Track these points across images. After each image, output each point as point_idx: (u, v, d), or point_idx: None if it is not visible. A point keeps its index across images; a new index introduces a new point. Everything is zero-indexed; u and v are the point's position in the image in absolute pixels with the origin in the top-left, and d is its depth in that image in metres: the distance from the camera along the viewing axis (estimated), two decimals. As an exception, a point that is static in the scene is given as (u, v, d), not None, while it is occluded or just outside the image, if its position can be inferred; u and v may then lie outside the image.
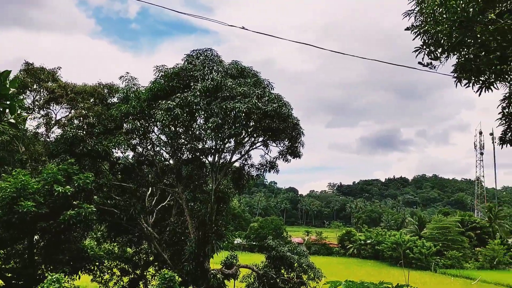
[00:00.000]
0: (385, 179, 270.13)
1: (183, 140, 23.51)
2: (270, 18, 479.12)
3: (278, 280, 30.16)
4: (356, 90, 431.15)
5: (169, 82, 23.63)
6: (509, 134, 11.53)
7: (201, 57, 24.80)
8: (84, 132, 23.34)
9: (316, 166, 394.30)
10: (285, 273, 30.45)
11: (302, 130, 24.33)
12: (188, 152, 23.89)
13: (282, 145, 25.38)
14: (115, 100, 25.80)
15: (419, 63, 8.10)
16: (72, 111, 25.86)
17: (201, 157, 24.25)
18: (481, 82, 10.17)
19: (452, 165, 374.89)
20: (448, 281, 65.74)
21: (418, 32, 9.36)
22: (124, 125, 23.90)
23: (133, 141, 24.66)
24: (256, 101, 21.71)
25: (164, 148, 25.79)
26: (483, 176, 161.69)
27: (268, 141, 24.64)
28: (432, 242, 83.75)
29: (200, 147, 23.34)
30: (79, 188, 19.42)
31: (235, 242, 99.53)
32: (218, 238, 24.77)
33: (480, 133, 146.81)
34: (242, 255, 77.93)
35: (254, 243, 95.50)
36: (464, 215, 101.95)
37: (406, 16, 9.82)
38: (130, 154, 26.97)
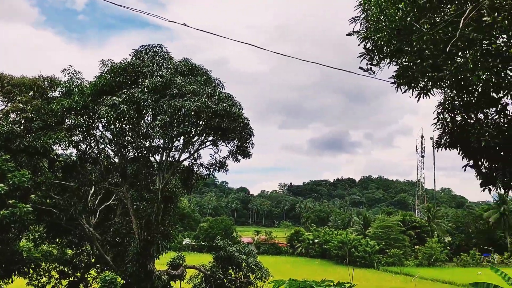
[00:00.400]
0: (334, 179, 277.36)
1: (129, 138, 22.82)
2: (224, 16, 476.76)
3: (225, 280, 30.14)
4: (308, 92, 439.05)
5: (116, 77, 22.88)
6: (444, 138, 12.14)
7: (150, 53, 24.24)
8: (22, 127, 22.08)
9: (268, 166, 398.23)
10: (232, 273, 30.49)
11: (252, 130, 24.44)
12: (134, 150, 23.26)
13: (232, 144, 25.37)
14: (56, 94, 24.57)
15: (360, 68, 8.33)
16: (9, 104, 24.32)
17: (148, 155, 23.68)
18: (419, 88, 10.64)
19: (396, 167, 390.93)
20: (390, 278, 68.54)
21: (361, 38, 9.62)
22: (66, 120, 22.85)
23: (75, 138, 23.63)
24: (206, 99, 21.49)
25: (109, 146, 24.94)
26: (424, 177, 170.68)
27: (217, 141, 24.52)
28: (375, 241, 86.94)
29: (147, 145, 22.77)
30: (14, 186, 18.33)
31: (184, 242, 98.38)
32: (164, 238, 24.33)
33: (422, 137, 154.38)
34: (191, 255, 77.59)
35: (204, 243, 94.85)
36: (406, 215, 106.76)
37: (352, 22, 10.07)
38: (73, 151, 25.91)
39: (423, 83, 10.43)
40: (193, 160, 27.01)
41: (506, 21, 5.68)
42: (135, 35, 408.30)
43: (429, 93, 10.74)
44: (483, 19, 5.91)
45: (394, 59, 9.68)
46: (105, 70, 23.46)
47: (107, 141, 24.36)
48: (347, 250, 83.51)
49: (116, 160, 25.21)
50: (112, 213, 27.56)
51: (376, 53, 8.21)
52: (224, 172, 26.92)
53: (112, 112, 20.63)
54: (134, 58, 23.93)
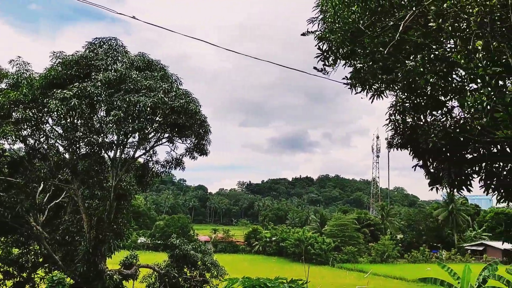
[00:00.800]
0: (292, 178, 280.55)
1: (80, 133, 22.01)
2: (189, 11, 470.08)
3: (180, 279, 29.80)
4: (270, 91, 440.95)
5: (67, 70, 22.00)
6: (396, 139, 12.49)
7: (104, 46, 23.51)
8: (-37, 120, 20.80)
9: (228, 164, 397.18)
10: (188, 271, 30.21)
11: (209, 127, 24.24)
12: (86, 146, 22.44)
13: (189, 142, 25.07)
14: (3, 86, 23.31)
15: (314, 68, 8.38)
16: (-51, 95, 22.84)
17: (101, 152, 22.93)
18: (373, 90, 10.88)
19: (353, 166, 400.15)
20: (344, 274, 70.21)
21: (318, 39, 9.69)
22: (13, 114, 21.73)
23: (23, 132, 22.50)
24: (163, 95, 21.08)
25: (59, 141, 23.95)
26: (378, 177, 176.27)
27: (174, 137, 24.13)
28: (331, 238, 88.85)
29: (100, 141, 22.02)
30: (-47, 182, 17.24)
31: (139, 241, 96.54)
32: (116, 237, 23.68)
33: (377, 137, 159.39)
34: (146, 254, 76.24)
35: (159, 242, 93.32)
36: (361, 213, 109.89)
37: (310, 23, 10.13)
38: (21, 146, 24.70)
39: (377, 85, 10.68)
40: (148, 157, 26.49)
41: (450, 27, 5.88)
42: (91, 27, 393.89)
43: (382, 95, 11.03)
44: (429, 24, 6.09)
45: (348, 61, 9.83)
46: (56, 62, 22.54)
47: (57, 136, 23.40)
48: (304, 247, 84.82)
49: (67, 156, 24.24)
50: (62, 211, 26.52)
51: (330, 54, 8.29)
52: (180, 169, 26.57)
53: (62, 106, 19.82)
54: (87, 51, 23.12)
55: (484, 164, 10.55)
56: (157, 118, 22.14)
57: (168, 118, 21.57)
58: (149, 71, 23.21)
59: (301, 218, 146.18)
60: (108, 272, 23.94)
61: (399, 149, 12.55)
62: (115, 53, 23.00)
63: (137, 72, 21.86)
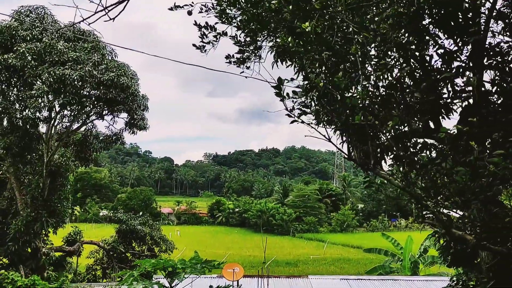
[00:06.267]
0: (259, 149, 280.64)
1: (0, 108, 20.82)
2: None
3: (128, 254, 29.76)
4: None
5: (-11, 40, 20.65)
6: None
7: (32, 15, 22.24)
8: None
9: (194, 135, 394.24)
10: (136, 246, 30.19)
11: (145, 101, 23.53)
12: (7, 121, 21.34)
13: (126, 116, 24.37)
14: None
15: (193, 45, 7.79)
16: None
17: (28, 127, 21.88)
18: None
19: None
20: (304, 244, 71.80)
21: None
22: None
23: None
24: (91, 69, 20.16)
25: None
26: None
27: (103, 112, 23.29)
28: (293, 209, 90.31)
29: (24, 115, 20.94)
30: None
31: (101, 214, 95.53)
32: (50, 215, 22.96)
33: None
34: (107, 227, 75.23)
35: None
36: (323, 184, 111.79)
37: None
38: None
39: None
40: (87, 132, 25.69)
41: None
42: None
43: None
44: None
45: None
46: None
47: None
48: (265, 218, 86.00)
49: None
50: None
51: (210, 30, 7.66)
52: (120, 144, 26.00)
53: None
54: (12, 20, 21.71)
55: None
56: (85, 92, 21.22)
57: (97, 92, 20.71)
58: (81, 42, 22.09)
59: (267, 189, 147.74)
60: (44, 250, 23.38)
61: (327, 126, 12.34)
62: (42, 22, 21.69)
63: (64, 43, 20.72)
